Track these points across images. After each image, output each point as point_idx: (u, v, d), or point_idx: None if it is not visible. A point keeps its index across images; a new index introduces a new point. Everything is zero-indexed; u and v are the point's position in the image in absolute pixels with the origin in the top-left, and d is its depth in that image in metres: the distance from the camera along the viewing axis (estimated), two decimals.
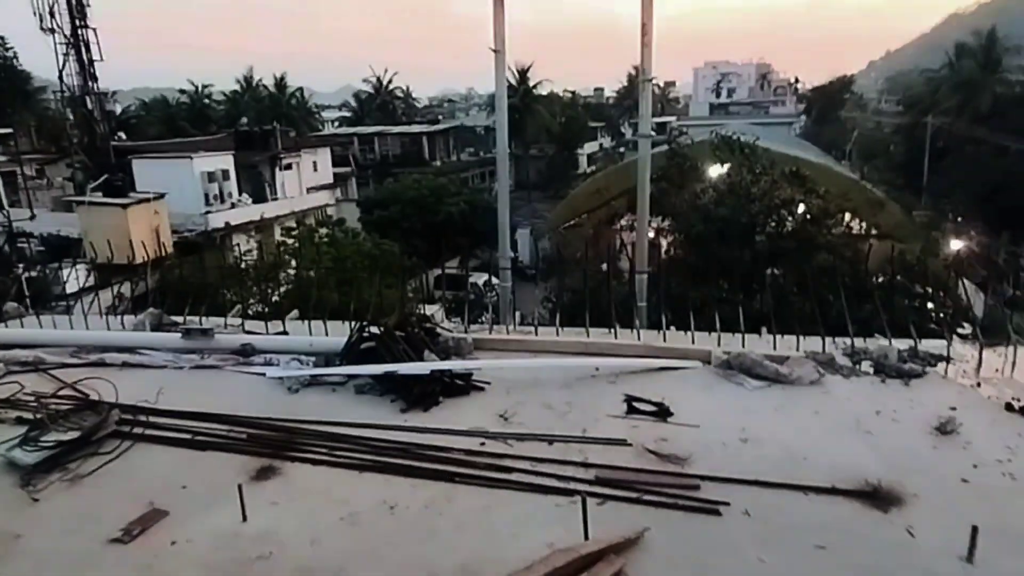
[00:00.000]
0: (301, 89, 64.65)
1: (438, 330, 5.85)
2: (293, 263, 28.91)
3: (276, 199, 34.91)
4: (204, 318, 6.76)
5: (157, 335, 6.03)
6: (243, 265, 28.16)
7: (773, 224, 16.69)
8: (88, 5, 29.35)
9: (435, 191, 41.48)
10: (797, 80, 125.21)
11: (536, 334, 6.35)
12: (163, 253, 27.86)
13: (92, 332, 6.15)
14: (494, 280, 44.49)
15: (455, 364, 5.35)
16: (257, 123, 46.18)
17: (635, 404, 5.01)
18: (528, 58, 61.59)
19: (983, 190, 42.96)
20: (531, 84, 61.50)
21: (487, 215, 44.92)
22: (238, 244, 30.28)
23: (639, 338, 6.30)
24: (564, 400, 5.14)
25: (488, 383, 5.29)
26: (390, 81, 70.51)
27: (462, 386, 5.21)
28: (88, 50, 29.65)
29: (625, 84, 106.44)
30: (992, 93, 47.68)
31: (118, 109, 54.44)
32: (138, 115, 59.98)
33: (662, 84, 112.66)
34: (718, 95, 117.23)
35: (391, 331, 5.50)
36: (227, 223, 31.02)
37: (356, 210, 43.58)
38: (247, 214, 32.28)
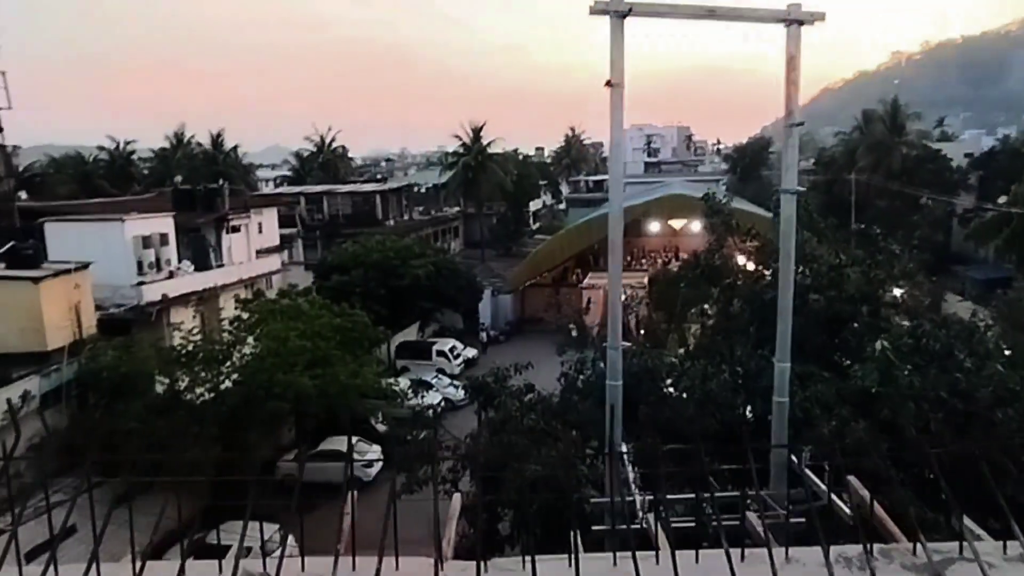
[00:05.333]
0: (236, 147, 59.59)
1: None
2: (251, 340, 23.66)
3: (222, 265, 29.74)
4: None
5: None
6: (190, 347, 22.76)
7: (834, 286, 13.85)
8: None
9: (400, 253, 37.28)
10: (719, 141, 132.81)
11: None
12: (84, 336, 22.38)
13: None
14: (470, 352, 39.71)
15: None
16: (190, 182, 40.92)
17: None
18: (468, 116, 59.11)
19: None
20: (484, 143, 58.81)
21: (453, 277, 40.69)
22: (182, 322, 25.00)
23: None
24: None
25: None
26: (333, 139, 66.32)
27: None
28: None
29: (563, 144, 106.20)
30: (900, 153, 52.60)
31: (20, 166, 48.04)
32: (44, 173, 53.30)
33: (594, 145, 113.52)
34: (650, 155, 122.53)
35: None
36: (164, 295, 25.70)
37: (305, 274, 38.75)
38: (189, 284, 27.09)
